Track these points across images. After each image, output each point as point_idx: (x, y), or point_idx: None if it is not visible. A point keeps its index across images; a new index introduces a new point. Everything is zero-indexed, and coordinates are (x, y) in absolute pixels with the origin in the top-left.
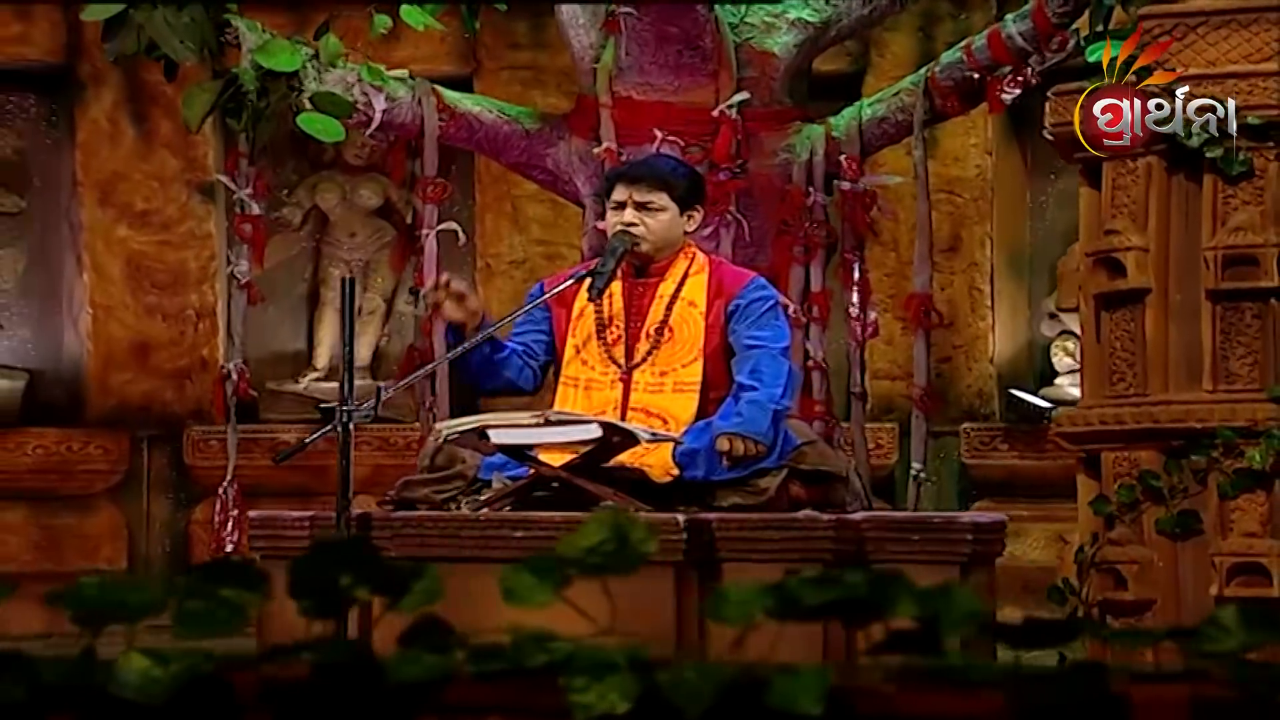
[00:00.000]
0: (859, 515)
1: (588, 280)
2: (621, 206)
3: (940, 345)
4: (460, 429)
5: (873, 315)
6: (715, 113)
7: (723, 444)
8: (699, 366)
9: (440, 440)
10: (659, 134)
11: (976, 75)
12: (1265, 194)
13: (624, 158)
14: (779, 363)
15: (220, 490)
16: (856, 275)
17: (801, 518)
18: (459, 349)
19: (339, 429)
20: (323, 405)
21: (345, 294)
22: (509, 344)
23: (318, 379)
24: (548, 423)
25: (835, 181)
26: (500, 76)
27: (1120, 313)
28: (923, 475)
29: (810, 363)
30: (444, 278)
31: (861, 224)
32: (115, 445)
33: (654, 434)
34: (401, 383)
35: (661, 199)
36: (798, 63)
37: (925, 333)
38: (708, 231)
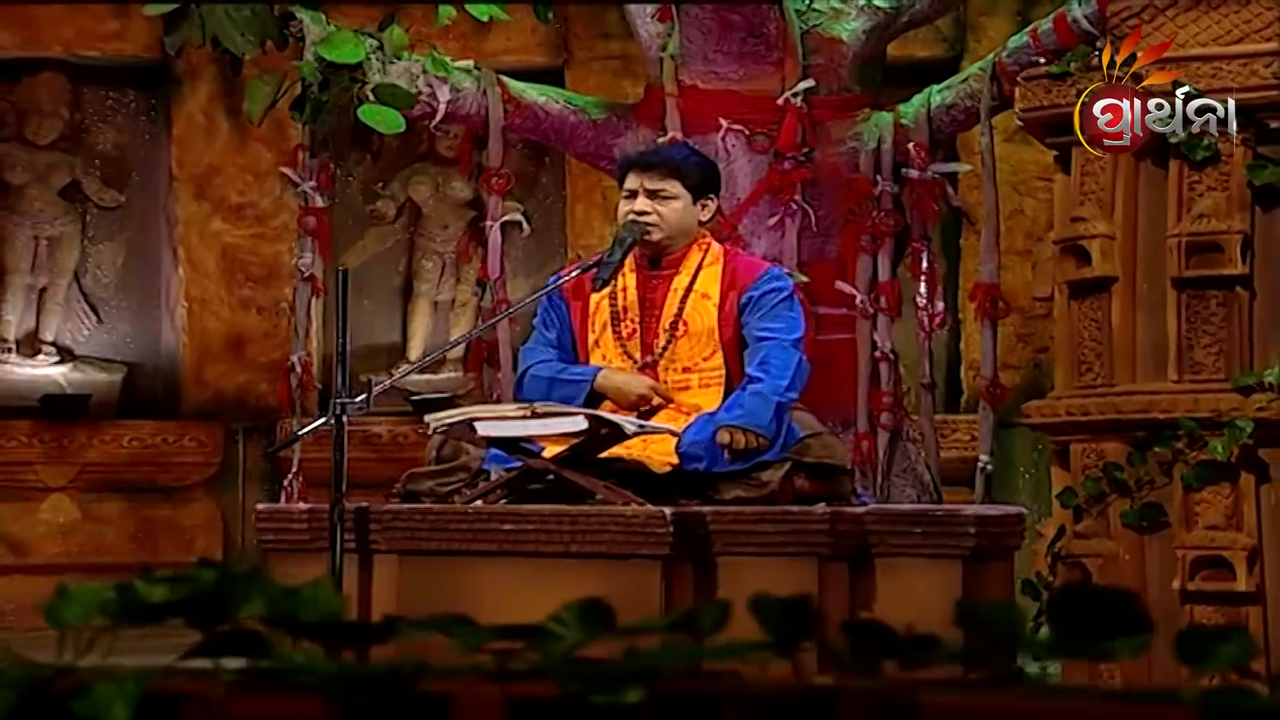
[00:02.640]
0: (861, 508)
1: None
2: (633, 195)
3: (1038, 335)
4: (448, 421)
5: (940, 305)
6: (780, 101)
7: (723, 437)
8: (720, 358)
9: (431, 432)
10: (724, 123)
11: (1043, 60)
12: (1231, 180)
13: None
14: (789, 354)
15: (285, 483)
16: (924, 265)
17: (796, 511)
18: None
19: (333, 422)
20: (414, 397)
21: (340, 287)
22: (551, 355)
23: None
24: (534, 415)
25: (903, 170)
26: (592, 67)
27: (1088, 301)
28: (990, 467)
29: (877, 354)
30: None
31: (929, 212)
32: (210, 437)
33: (641, 425)
34: (393, 378)
35: (674, 187)
36: (868, 49)
37: (992, 322)
38: (773, 221)
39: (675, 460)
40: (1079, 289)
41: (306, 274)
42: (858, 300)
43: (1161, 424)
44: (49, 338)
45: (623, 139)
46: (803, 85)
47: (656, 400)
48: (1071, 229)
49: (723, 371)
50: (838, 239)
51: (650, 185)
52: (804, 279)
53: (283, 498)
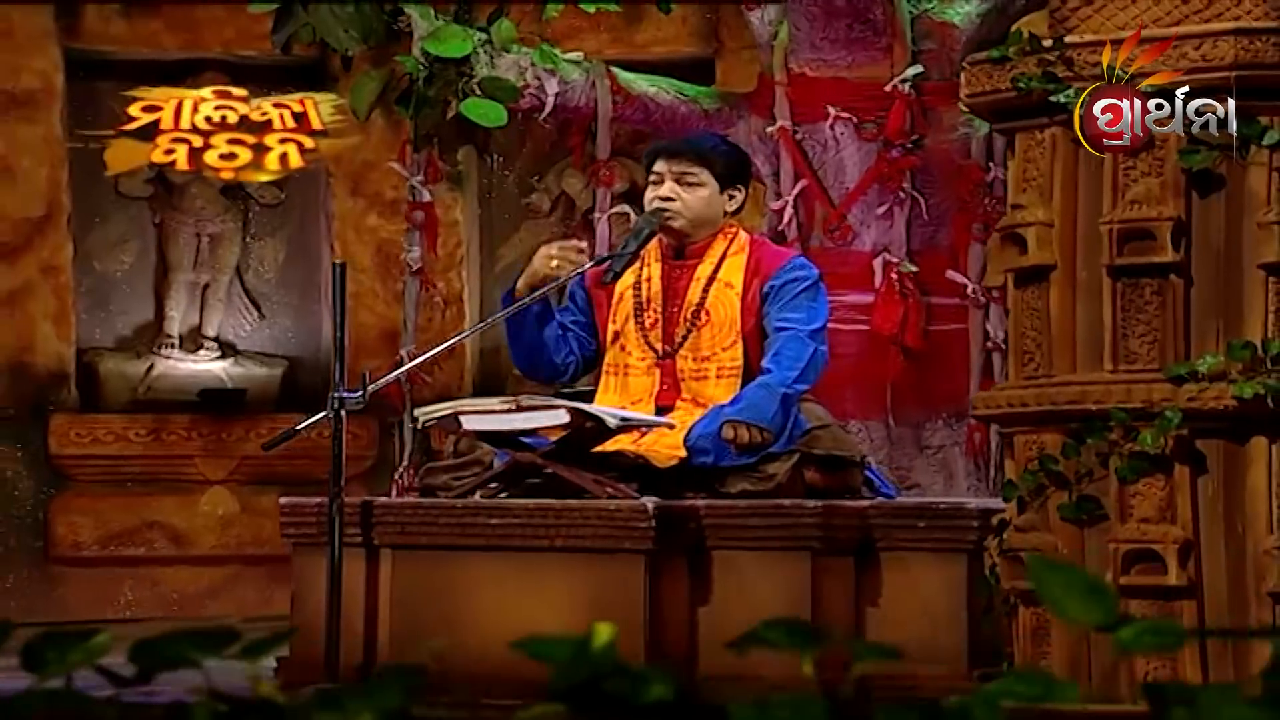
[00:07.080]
0: (865, 502)
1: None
2: (660, 181)
3: None
4: (436, 415)
5: None
6: (888, 88)
7: (727, 432)
8: (739, 349)
9: (420, 426)
10: (832, 110)
11: None
12: (1165, 165)
13: (798, 136)
14: (803, 345)
15: (396, 476)
16: None
17: (788, 505)
18: (509, 309)
19: (331, 416)
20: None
21: (336, 280)
22: (557, 318)
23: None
24: (519, 408)
25: None
26: (742, 56)
27: (1028, 291)
28: None
29: (989, 344)
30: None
31: None
32: (365, 431)
33: (624, 419)
34: (393, 374)
35: (701, 174)
36: (983, 33)
37: None
38: (882, 210)
39: (682, 454)
40: (1021, 278)
41: (415, 268)
42: (969, 289)
43: (1094, 415)
44: (211, 333)
45: (734, 129)
46: (911, 71)
47: (555, 263)
48: (1011, 216)
49: (740, 363)
50: (949, 227)
51: (677, 170)
52: (914, 269)
53: (393, 491)
